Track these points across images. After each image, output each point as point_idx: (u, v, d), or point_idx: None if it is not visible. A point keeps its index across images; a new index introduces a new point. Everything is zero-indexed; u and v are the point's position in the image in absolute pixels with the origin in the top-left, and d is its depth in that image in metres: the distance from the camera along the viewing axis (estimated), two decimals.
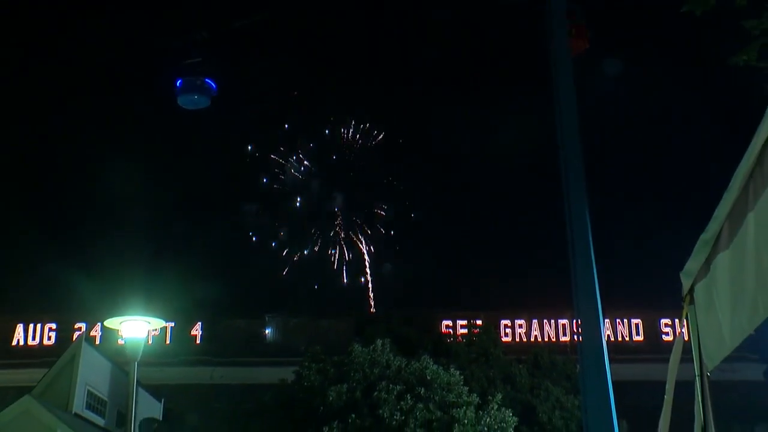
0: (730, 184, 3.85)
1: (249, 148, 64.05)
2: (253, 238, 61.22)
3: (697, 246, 4.58)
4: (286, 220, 62.06)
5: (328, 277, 60.21)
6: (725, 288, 4.14)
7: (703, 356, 4.65)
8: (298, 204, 62.91)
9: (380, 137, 64.63)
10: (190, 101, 13.68)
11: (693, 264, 4.72)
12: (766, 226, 3.50)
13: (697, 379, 4.78)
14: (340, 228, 61.74)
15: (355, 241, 61.27)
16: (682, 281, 4.96)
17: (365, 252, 60.89)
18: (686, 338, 4.92)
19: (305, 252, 60.97)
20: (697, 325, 4.73)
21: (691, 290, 4.85)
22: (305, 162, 63.93)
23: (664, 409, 4.97)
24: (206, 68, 13.61)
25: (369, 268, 60.38)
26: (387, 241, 61.42)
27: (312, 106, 65.52)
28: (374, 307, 55.36)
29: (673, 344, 5.02)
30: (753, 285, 3.63)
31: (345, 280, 60.14)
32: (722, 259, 4.18)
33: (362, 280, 60.21)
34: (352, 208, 62.79)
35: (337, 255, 60.83)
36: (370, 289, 59.69)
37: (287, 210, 62.44)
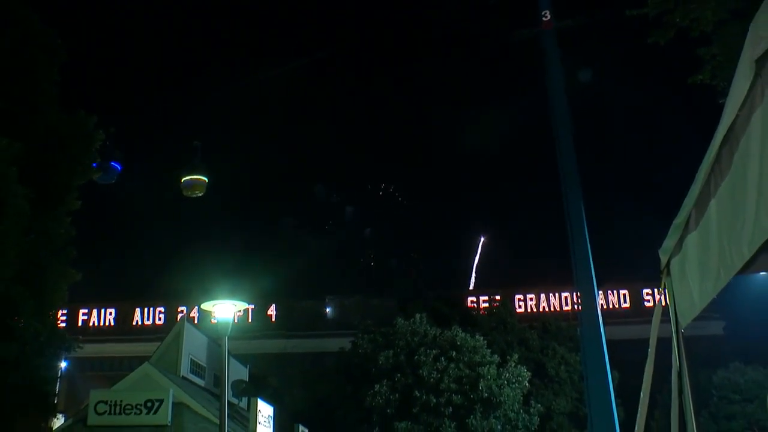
0: (696, 177, 3.85)
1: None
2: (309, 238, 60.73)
3: (671, 229, 4.58)
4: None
5: (377, 267, 59.85)
6: (694, 261, 4.16)
7: (678, 317, 4.64)
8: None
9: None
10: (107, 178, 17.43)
11: (668, 243, 4.72)
12: (725, 211, 3.51)
13: (674, 335, 4.79)
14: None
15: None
16: (660, 257, 4.95)
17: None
18: (664, 304, 4.91)
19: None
20: (672, 293, 4.72)
21: (668, 264, 4.84)
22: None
23: (648, 359, 4.99)
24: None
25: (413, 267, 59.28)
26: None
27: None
28: (413, 288, 55.00)
29: (653, 309, 5.02)
30: (716, 258, 3.66)
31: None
32: (692, 238, 4.19)
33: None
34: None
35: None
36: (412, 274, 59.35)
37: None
